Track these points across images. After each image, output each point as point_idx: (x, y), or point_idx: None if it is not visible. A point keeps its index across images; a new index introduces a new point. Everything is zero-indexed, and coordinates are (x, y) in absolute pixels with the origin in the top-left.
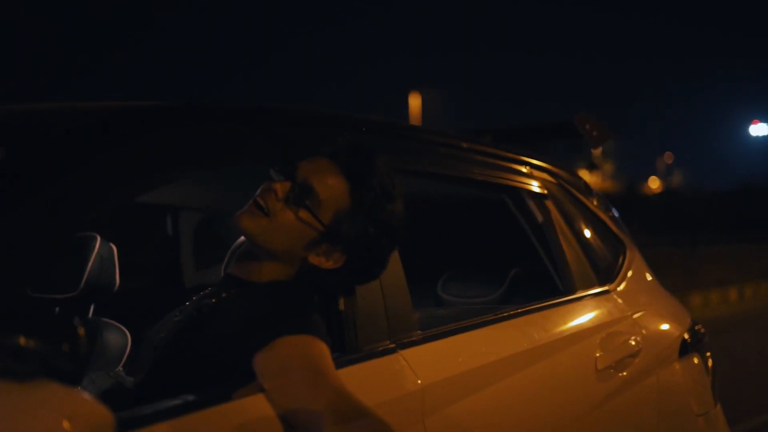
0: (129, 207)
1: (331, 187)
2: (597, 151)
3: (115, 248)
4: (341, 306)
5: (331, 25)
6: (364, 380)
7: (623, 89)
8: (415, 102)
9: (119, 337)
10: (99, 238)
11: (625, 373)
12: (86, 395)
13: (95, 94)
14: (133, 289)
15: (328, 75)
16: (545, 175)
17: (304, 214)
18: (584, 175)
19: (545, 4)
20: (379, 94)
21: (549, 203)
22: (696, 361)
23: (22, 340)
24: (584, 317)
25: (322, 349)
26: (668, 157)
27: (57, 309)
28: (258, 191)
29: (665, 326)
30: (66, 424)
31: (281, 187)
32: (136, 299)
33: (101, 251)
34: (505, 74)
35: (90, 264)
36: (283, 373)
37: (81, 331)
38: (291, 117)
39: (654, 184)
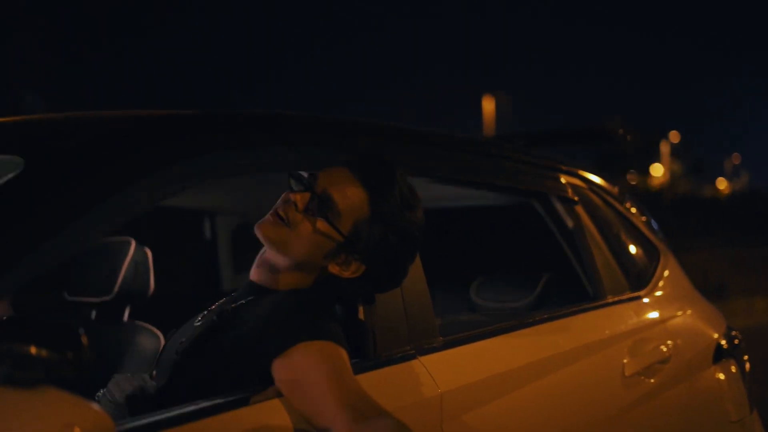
0: (168, 212)
1: (350, 197)
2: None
3: (149, 253)
4: (361, 313)
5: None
6: (382, 386)
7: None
8: (488, 106)
9: (153, 340)
10: (134, 243)
11: (653, 380)
12: (92, 404)
13: (102, 97)
14: (171, 293)
15: (400, 80)
16: (576, 181)
17: (322, 225)
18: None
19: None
20: (449, 100)
21: (579, 208)
22: (731, 367)
23: (25, 348)
24: (613, 323)
25: (340, 354)
26: (735, 158)
27: (93, 312)
28: (278, 201)
29: (699, 332)
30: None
31: (301, 198)
32: (174, 302)
33: (136, 256)
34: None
35: (124, 268)
36: (301, 378)
37: (84, 339)
38: (309, 125)
39: (721, 185)
